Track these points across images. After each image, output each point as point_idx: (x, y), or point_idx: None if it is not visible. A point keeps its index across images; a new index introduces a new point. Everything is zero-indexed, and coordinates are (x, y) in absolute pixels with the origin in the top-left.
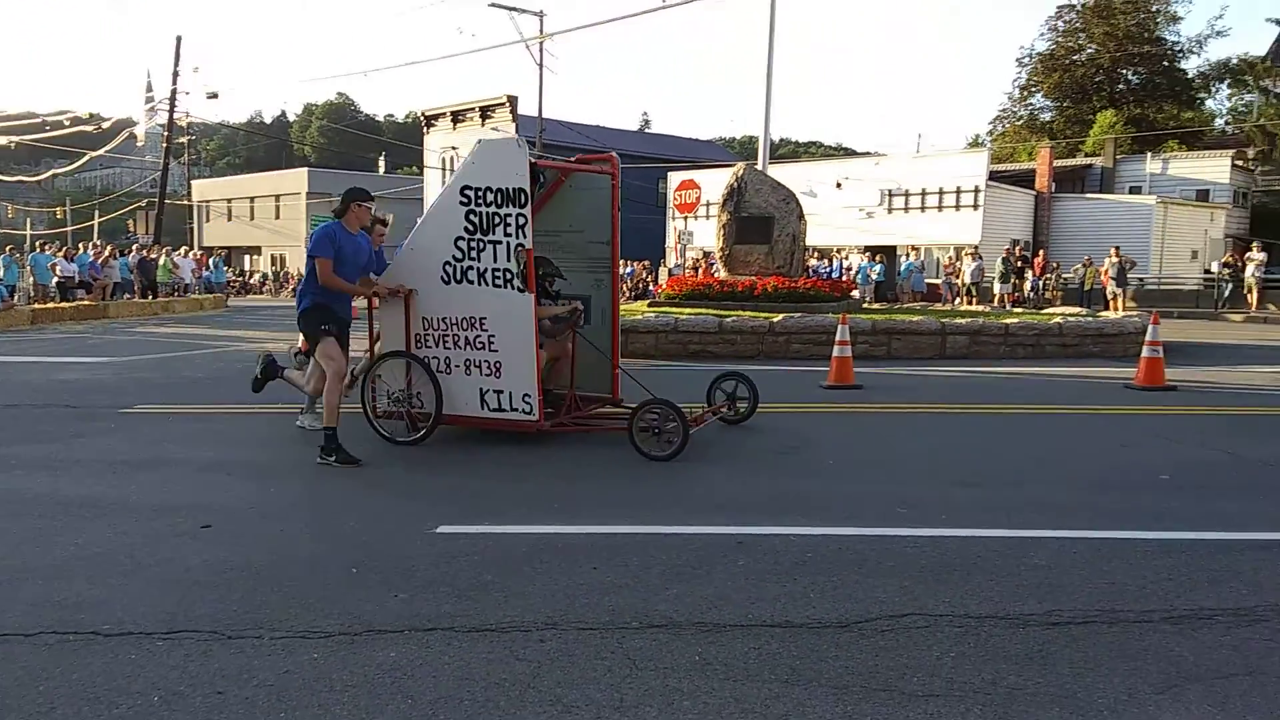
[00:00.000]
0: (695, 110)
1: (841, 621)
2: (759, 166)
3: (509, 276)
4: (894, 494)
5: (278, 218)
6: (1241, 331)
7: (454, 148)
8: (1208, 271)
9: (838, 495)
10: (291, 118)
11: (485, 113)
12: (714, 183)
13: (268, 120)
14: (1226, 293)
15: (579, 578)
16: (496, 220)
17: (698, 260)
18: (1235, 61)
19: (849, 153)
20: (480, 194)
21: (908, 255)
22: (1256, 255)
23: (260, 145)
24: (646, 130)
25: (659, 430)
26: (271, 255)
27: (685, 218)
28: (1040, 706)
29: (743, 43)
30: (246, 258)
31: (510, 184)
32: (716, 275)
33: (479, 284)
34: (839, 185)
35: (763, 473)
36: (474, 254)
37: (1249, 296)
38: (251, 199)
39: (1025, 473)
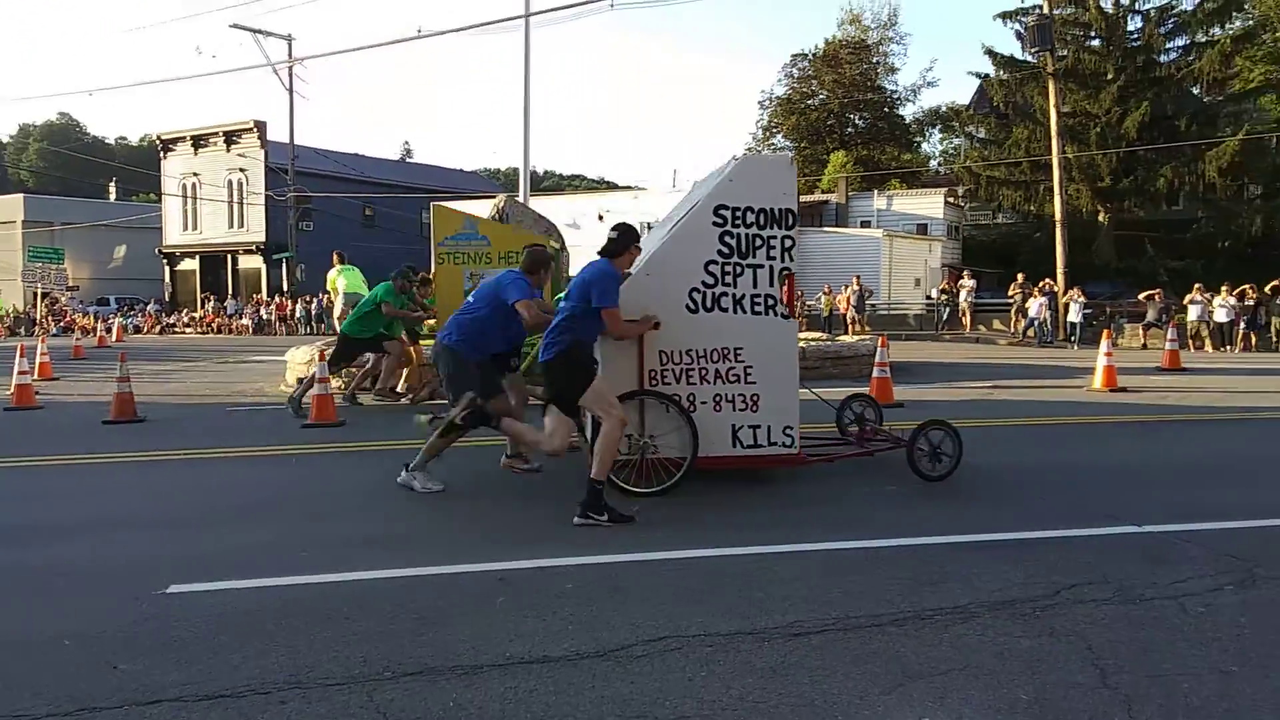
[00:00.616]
0: (458, 141)
1: (599, 651)
2: (520, 198)
3: (771, 302)
4: (654, 517)
5: None
6: (958, 351)
7: (195, 174)
8: (928, 297)
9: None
10: (5, 139)
11: (230, 138)
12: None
13: None
14: (945, 316)
15: (327, 630)
16: (758, 243)
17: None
18: (944, 109)
19: (611, 186)
20: (739, 214)
21: None
22: (968, 282)
23: None
24: (408, 160)
25: (938, 451)
26: None
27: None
28: (781, 716)
29: (504, 75)
30: None
31: (777, 204)
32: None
33: (734, 311)
34: (601, 217)
35: (531, 503)
36: (729, 279)
37: (963, 319)
38: None
39: (763, 494)
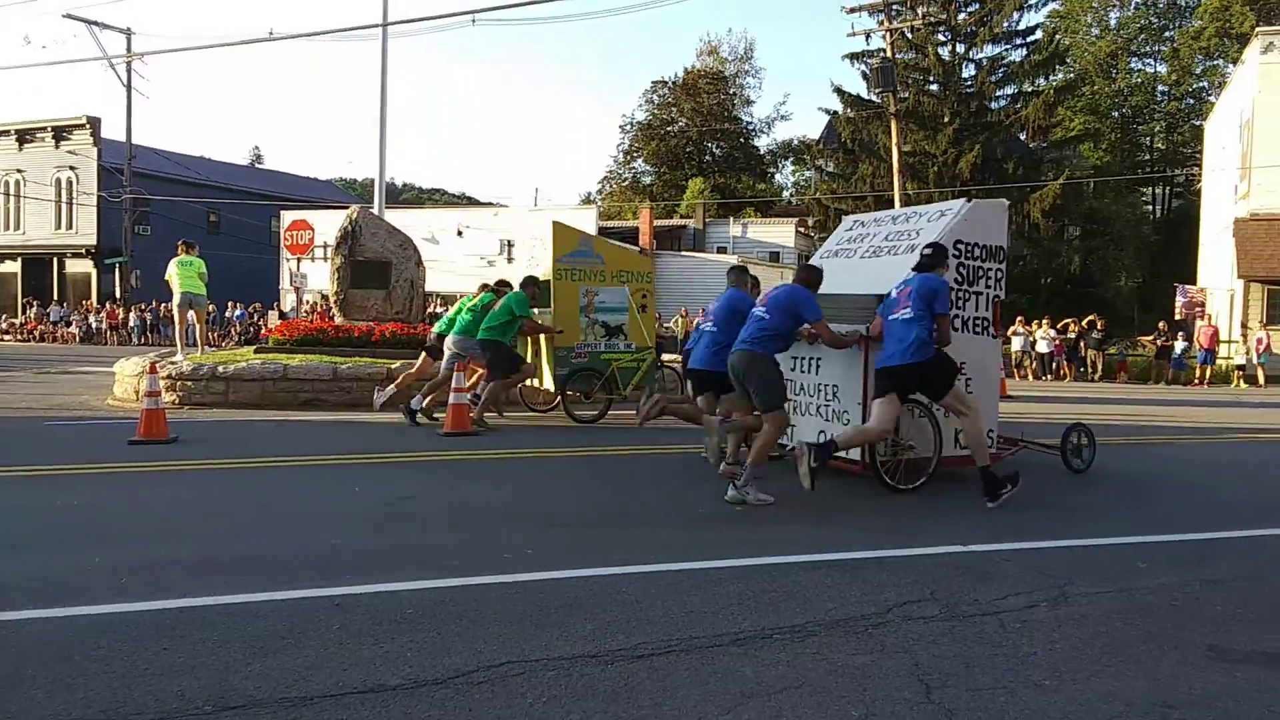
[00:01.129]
0: (312, 149)
1: (438, 678)
2: (375, 210)
3: (986, 324)
4: (503, 541)
5: None
6: None
7: (20, 170)
8: None
9: (444, 545)
10: None
11: (60, 134)
12: (329, 224)
13: None
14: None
15: (143, 661)
16: (980, 273)
17: (316, 304)
18: (796, 142)
19: (472, 202)
20: (970, 249)
21: None
22: None
23: None
24: (258, 165)
25: (1078, 450)
26: None
27: (299, 259)
28: None
29: (362, 84)
30: None
31: (995, 241)
32: (333, 319)
33: (961, 331)
34: (460, 233)
35: (380, 528)
36: (959, 303)
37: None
38: None
39: (614, 512)
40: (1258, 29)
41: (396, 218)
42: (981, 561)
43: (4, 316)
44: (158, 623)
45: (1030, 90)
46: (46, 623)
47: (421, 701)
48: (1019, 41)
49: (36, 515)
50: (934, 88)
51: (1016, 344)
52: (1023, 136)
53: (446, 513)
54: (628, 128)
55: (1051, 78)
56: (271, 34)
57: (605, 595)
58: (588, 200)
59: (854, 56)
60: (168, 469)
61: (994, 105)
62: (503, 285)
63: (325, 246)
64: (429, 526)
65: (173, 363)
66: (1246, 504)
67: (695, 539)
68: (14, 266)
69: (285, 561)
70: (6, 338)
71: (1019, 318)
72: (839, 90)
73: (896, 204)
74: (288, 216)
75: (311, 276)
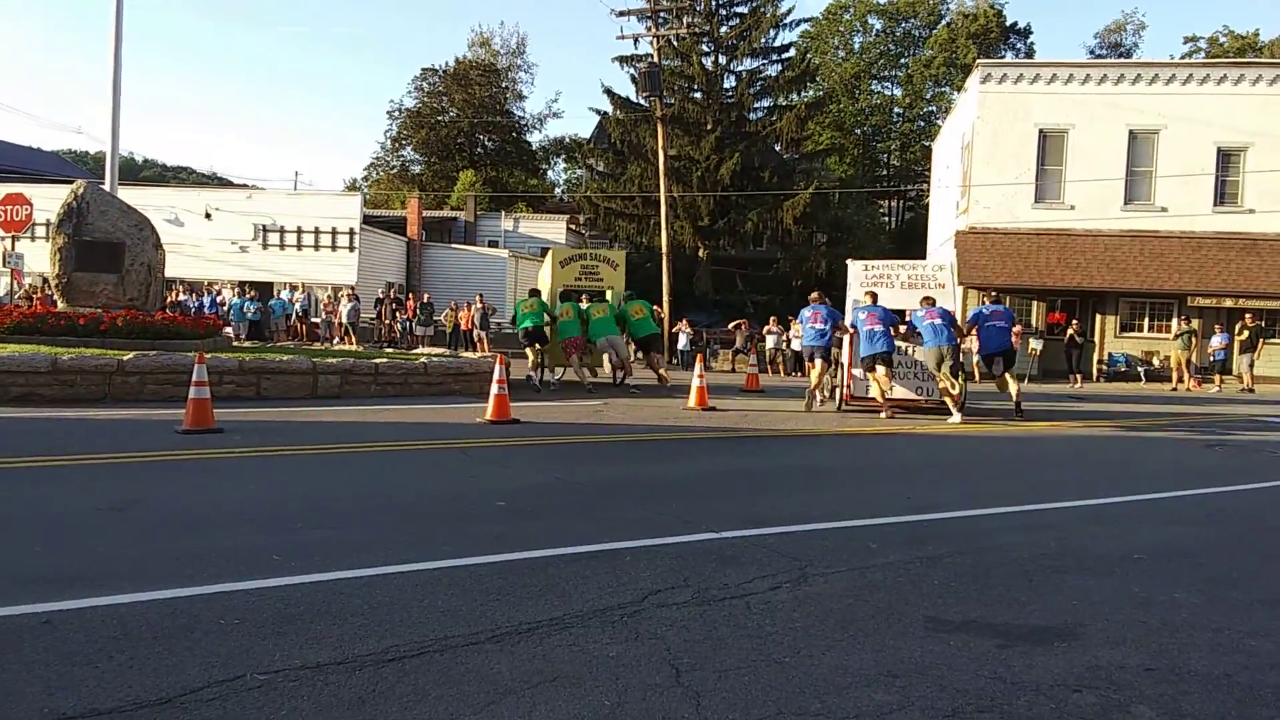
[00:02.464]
0: (34, 116)
1: (164, 698)
2: (107, 186)
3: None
4: (242, 544)
5: None
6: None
7: None
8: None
9: (172, 552)
10: None
11: None
12: (51, 200)
13: None
14: None
15: None
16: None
17: (38, 288)
18: (568, 140)
19: (224, 183)
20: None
21: (281, 292)
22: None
23: None
24: None
25: None
26: None
27: (13, 237)
28: None
29: (95, 44)
30: None
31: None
32: (54, 306)
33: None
34: (208, 215)
35: (89, 536)
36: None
37: None
38: None
39: (379, 510)
40: (979, 60)
41: (134, 195)
42: (731, 547)
43: None
44: None
45: (784, 104)
46: None
47: None
48: (775, 58)
49: None
50: (698, 95)
51: (770, 342)
52: (778, 147)
53: (182, 515)
54: (396, 114)
55: (803, 94)
56: None
57: (356, 598)
58: (353, 186)
59: (624, 60)
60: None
61: (752, 116)
62: (535, 292)
63: (48, 225)
64: (162, 531)
65: None
66: (965, 491)
67: (456, 535)
68: None
69: None
70: None
71: (773, 318)
72: (609, 92)
73: (663, 207)
74: (0, 189)
75: (28, 257)
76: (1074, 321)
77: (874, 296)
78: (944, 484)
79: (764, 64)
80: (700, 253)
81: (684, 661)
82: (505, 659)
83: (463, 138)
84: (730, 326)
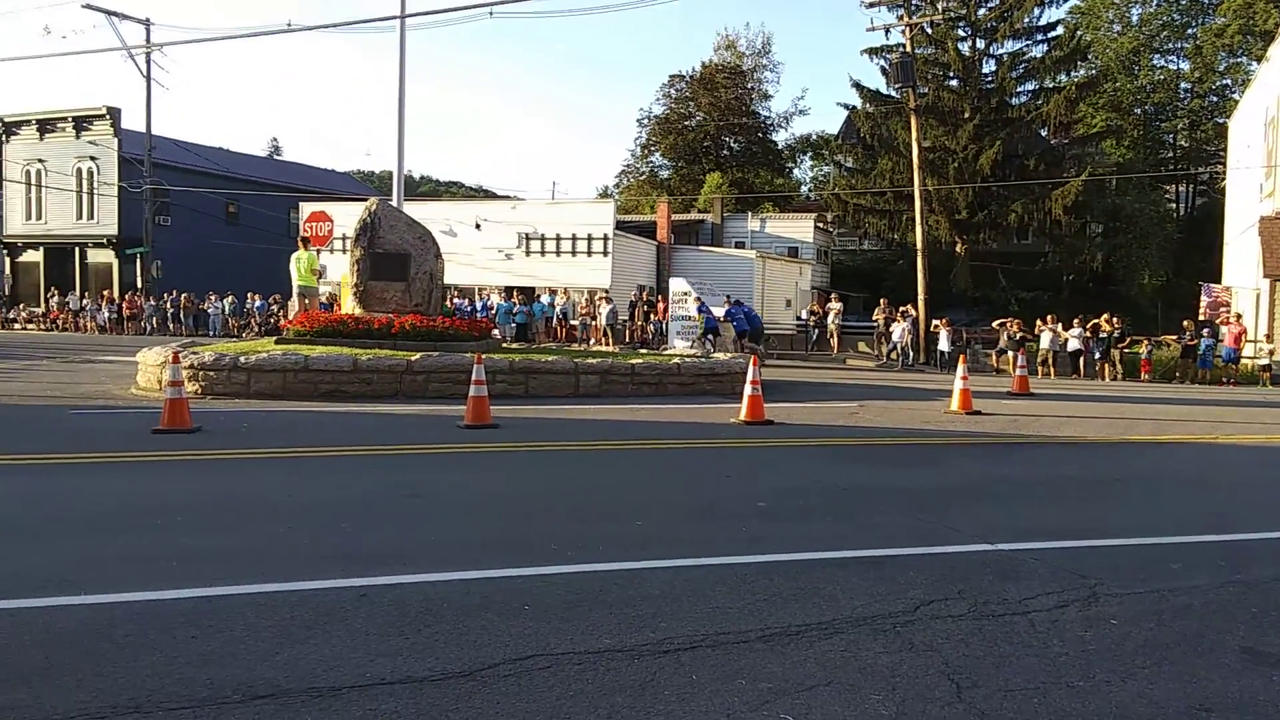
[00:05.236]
0: (330, 141)
1: (465, 671)
2: (394, 203)
3: None
4: (524, 534)
5: None
6: (826, 371)
7: (41, 160)
8: (799, 319)
9: (467, 538)
10: None
11: (80, 124)
12: (349, 216)
13: None
14: (814, 337)
15: (172, 650)
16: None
17: (334, 295)
18: (815, 137)
19: (489, 195)
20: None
21: (541, 296)
22: (835, 305)
23: None
24: (276, 157)
25: None
26: None
27: (319, 250)
28: None
29: (380, 76)
30: None
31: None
32: (352, 311)
33: None
34: (478, 226)
35: (392, 519)
36: None
37: (831, 341)
38: None
39: (644, 506)
40: None
41: (415, 210)
42: (1008, 560)
43: (26, 306)
44: (185, 611)
45: (1051, 86)
46: (75, 610)
47: (448, 695)
48: (1040, 37)
49: (61, 504)
50: (954, 83)
51: (1045, 341)
52: (1044, 133)
53: (469, 503)
54: (645, 122)
55: (1073, 74)
56: (290, 25)
57: (627, 590)
58: (605, 194)
59: (873, 51)
60: (191, 459)
61: (1014, 101)
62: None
63: (344, 239)
64: (451, 517)
65: (194, 352)
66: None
67: (718, 534)
68: (36, 256)
69: (309, 551)
70: (30, 326)
71: (1049, 315)
72: (858, 85)
73: (917, 201)
74: (306, 208)
75: (331, 268)
76: None
77: None
78: (1251, 499)
79: (1027, 45)
80: (957, 248)
81: (964, 677)
82: (776, 659)
83: (709, 140)
84: (994, 325)
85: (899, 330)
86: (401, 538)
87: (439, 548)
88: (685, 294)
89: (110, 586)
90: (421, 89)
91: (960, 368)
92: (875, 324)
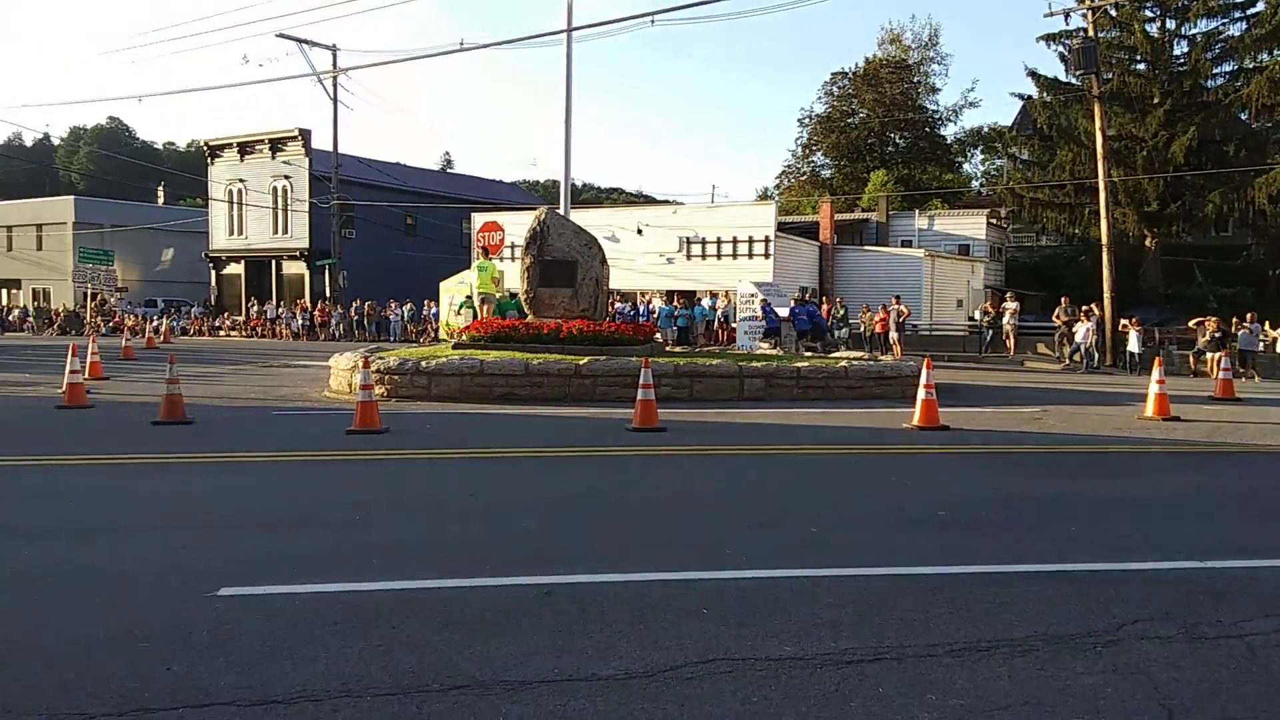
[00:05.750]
0: (497, 152)
1: (648, 671)
2: (561, 211)
3: None
4: (696, 538)
5: (40, 249)
6: (1003, 374)
7: (242, 180)
8: (971, 319)
9: (641, 540)
10: (56, 141)
11: (276, 146)
12: (518, 225)
13: (28, 144)
14: (988, 338)
15: (377, 639)
16: None
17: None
18: (986, 130)
19: (649, 200)
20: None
21: (702, 300)
22: (1010, 304)
23: (19, 170)
24: (448, 170)
25: None
26: (33, 290)
27: (492, 258)
28: None
29: (544, 87)
30: (3, 292)
31: None
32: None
33: None
34: (640, 231)
35: (569, 519)
36: None
37: (1007, 342)
38: (9, 228)
39: (817, 512)
40: None
41: (579, 217)
42: (1220, 579)
43: (229, 314)
44: (386, 602)
45: (1252, 66)
46: (290, 598)
47: (634, 694)
48: (1238, 15)
49: (265, 498)
50: (1141, 67)
51: (1243, 342)
52: (1244, 117)
53: (642, 505)
54: (806, 121)
55: (1276, 53)
56: (462, 44)
57: (807, 597)
58: (765, 195)
59: (1050, 38)
60: (382, 458)
61: (1210, 84)
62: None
63: (513, 247)
64: (626, 519)
65: (380, 357)
66: None
67: (897, 543)
68: (237, 268)
69: (495, 549)
70: (233, 333)
71: (1250, 314)
72: (1034, 74)
73: (1101, 194)
74: (478, 219)
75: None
76: None
77: None
78: None
79: (1224, 23)
80: (1146, 242)
81: (1176, 703)
82: (966, 675)
83: (873, 138)
84: (1190, 324)
85: (1083, 330)
86: (580, 538)
87: (616, 549)
88: (753, 296)
89: (319, 577)
90: (582, 97)
91: (1156, 370)
92: (1056, 324)
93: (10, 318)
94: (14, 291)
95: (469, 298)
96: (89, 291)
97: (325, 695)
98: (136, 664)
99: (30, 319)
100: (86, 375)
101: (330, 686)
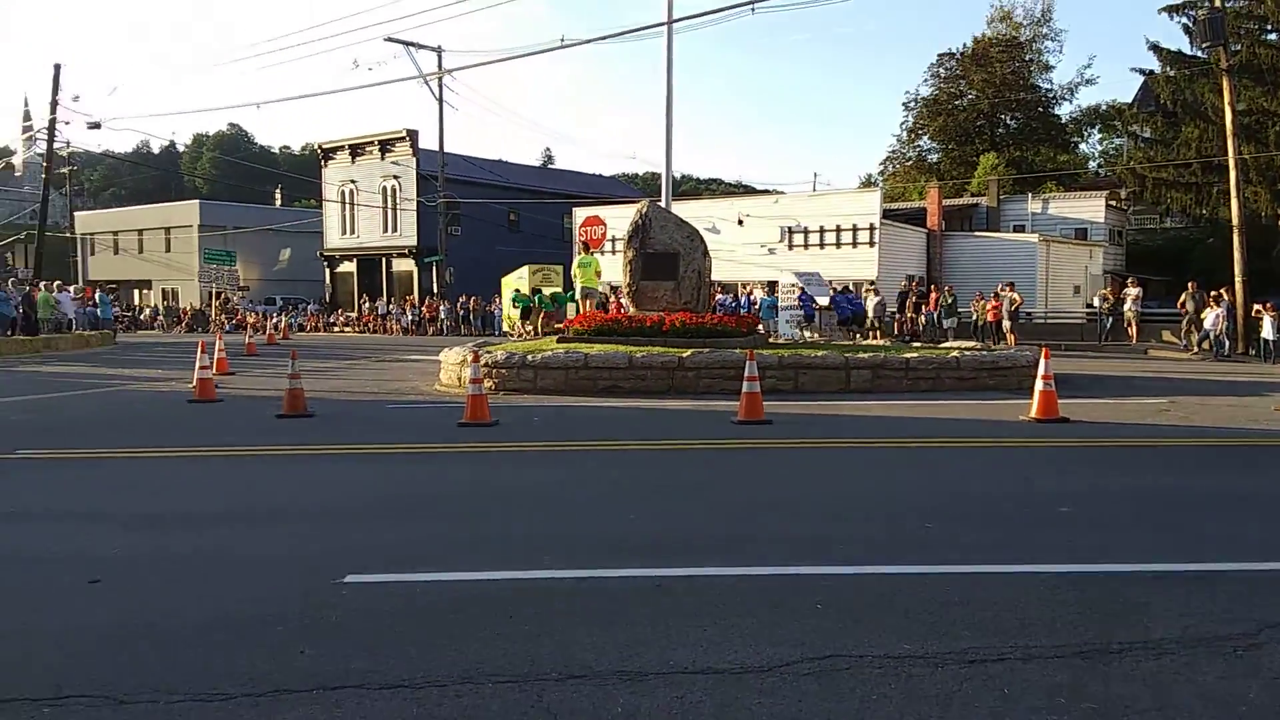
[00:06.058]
0: (596, 146)
1: (764, 666)
2: (662, 204)
3: None
4: (808, 532)
5: (168, 251)
6: (1124, 363)
7: (353, 181)
8: (1089, 306)
9: (752, 534)
10: (181, 148)
11: (385, 147)
12: (619, 219)
13: (155, 151)
14: (1108, 326)
15: (496, 627)
16: None
17: (606, 295)
18: (1105, 108)
19: (748, 190)
20: None
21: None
22: (1132, 290)
23: (147, 176)
24: (549, 166)
25: None
26: (163, 290)
27: (593, 253)
28: None
29: (643, 80)
30: (136, 292)
31: None
32: (625, 311)
33: None
34: (740, 222)
35: (678, 512)
36: None
37: (1129, 330)
38: (140, 231)
39: (933, 507)
40: None
41: (679, 209)
42: None
43: (343, 311)
44: (505, 591)
45: None
46: (413, 585)
47: (749, 689)
48: None
49: (383, 488)
50: (1272, 37)
51: None
52: None
53: (750, 499)
54: (911, 105)
55: None
56: (563, 40)
57: (925, 595)
58: (869, 182)
59: (1174, 9)
60: (493, 450)
61: None
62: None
63: (614, 240)
64: (734, 512)
65: (488, 352)
66: None
67: (1019, 540)
68: (350, 266)
69: (605, 540)
70: (347, 329)
71: None
72: (1156, 47)
73: (1231, 172)
74: (580, 213)
75: (604, 270)
76: None
77: None
78: None
79: None
80: None
81: None
82: (1097, 679)
83: (983, 120)
84: None
85: (1212, 316)
86: (689, 531)
87: (726, 541)
88: (794, 285)
89: (438, 566)
90: (680, 88)
91: None
92: (1182, 310)
93: (142, 316)
94: (145, 291)
95: (537, 291)
96: (214, 290)
97: (449, 681)
98: (270, 647)
99: (160, 317)
100: (215, 371)
101: (453, 673)
